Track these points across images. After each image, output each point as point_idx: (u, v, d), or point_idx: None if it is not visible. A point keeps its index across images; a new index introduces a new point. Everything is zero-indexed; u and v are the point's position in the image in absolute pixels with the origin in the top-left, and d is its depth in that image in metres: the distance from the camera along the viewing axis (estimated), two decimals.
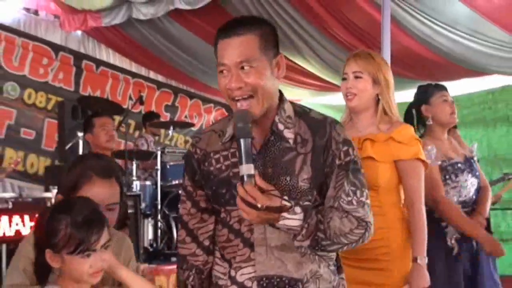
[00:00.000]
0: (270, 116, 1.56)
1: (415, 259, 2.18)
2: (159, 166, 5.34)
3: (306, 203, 1.50)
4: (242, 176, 1.41)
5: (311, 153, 1.53)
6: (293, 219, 1.45)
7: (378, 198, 2.20)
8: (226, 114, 9.00)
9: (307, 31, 5.88)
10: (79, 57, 7.25)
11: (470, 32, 5.17)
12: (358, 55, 2.34)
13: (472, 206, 2.79)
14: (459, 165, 2.78)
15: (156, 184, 5.37)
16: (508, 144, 6.59)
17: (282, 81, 7.24)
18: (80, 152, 4.58)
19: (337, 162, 1.53)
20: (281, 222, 1.45)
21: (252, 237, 1.54)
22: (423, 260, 2.19)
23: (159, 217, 5.23)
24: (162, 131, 6.85)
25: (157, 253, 4.95)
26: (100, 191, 1.74)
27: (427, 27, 5.23)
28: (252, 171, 1.42)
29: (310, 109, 1.64)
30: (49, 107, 6.82)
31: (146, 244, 5.01)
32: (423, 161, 2.28)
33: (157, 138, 6.57)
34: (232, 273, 1.58)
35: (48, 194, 4.51)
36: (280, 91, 1.62)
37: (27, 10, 6.93)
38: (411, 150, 2.24)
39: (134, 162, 5.38)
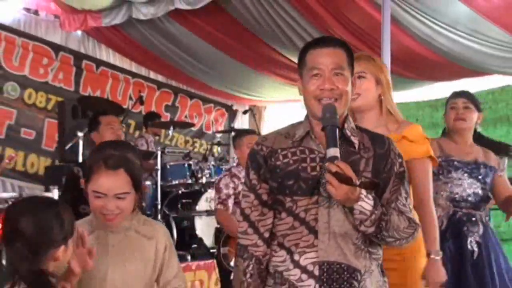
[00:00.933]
0: (340, 123, 1.76)
1: (429, 254, 2.23)
2: (159, 166, 5.34)
3: (373, 195, 1.71)
4: (329, 157, 1.61)
5: (372, 159, 1.78)
6: (367, 203, 1.66)
7: None
8: (226, 114, 9.01)
9: (307, 31, 5.88)
10: (79, 57, 7.25)
11: (470, 32, 5.17)
12: (359, 57, 2.35)
13: (466, 207, 2.82)
14: (455, 163, 2.85)
15: (156, 184, 5.37)
16: (508, 143, 6.59)
17: (283, 81, 7.26)
18: (80, 152, 4.58)
19: (395, 170, 1.79)
20: (359, 203, 1.65)
21: (317, 225, 1.71)
22: (438, 255, 2.23)
23: (159, 217, 5.23)
24: (163, 131, 6.85)
25: None
26: (106, 181, 1.81)
27: (427, 27, 5.22)
28: (338, 154, 1.62)
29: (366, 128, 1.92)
30: (49, 107, 6.82)
31: None
32: (432, 158, 2.33)
33: (157, 138, 6.56)
34: (296, 257, 1.72)
35: (48, 194, 4.51)
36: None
37: (27, 10, 6.93)
38: (423, 149, 2.30)
39: None
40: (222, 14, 6.02)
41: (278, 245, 1.79)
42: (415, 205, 2.27)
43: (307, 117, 1.86)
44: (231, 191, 3.71)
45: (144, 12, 6.02)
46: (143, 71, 8.06)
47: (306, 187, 1.72)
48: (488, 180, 2.88)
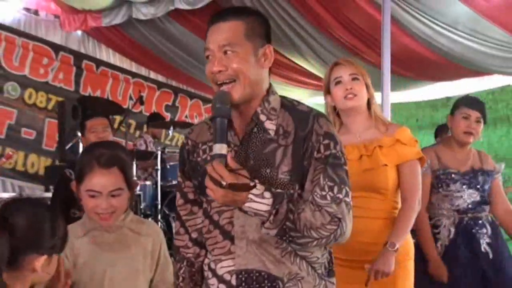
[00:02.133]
0: (254, 106, 1.54)
1: (385, 244, 2.18)
2: (159, 166, 5.34)
3: (279, 190, 1.46)
4: (214, 155, 1.40)
5: (292, 145, 1.50)
6: (261, 203, 1.41)
7: (384, 201, 2.27)
8: None
9: (307, 31, 5.88)
10: (79, 57, 7.26)
11: (470, 32, 5.17)
12: (347, 60, 2.43)
13: (470, 213, 2.84)
14: (453, 175, 2.86)
15: (156, 184, 5.37)
16: (508, 144, 6.60)
17: (283, 81, 7.28)
18: (80, 152, 4.58)
19: (316, 155, 1.49)
20: (247, 205, 1.41)
21: (233, 230, 1.51)
22: (394, 248, 2.18)
23: (159, 217, 5.24)
24: (163, 131, 6.85)
25: None
26: (100, 180, 1.82)
27: (427, 27, 5.22)
28: (225, 151, 1.40)
29: (299, 103, 1.60)
30: (50, 107, 6.83)
31: None
32: (421, 159, 2.35)
33: (156, 140, 6.55)
34: (212, 265, 1.56)
35: (48, 194, 4.51)
36: (270, 84, 1.60)
37: (27, 10, 6.94)
38: (414, 151, 2.31)
39: (134, 162, 5.39)
40: None
41: (206, 247, 1.63)
42: (401, 203, 2.32)
43: None
44: None
45: (144, 12, 6.02)
46: (143, 71, 8.06)
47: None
48: (486, 186, 2.89)
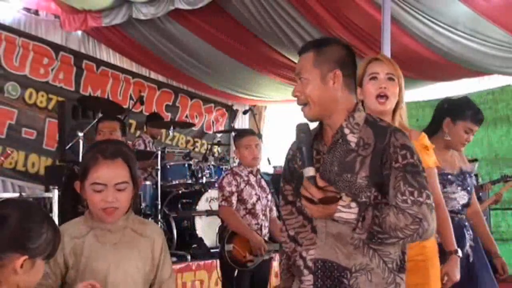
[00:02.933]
0: (339, 120, 1.81)
1: (454, 252, 2.34)
2: (159, 166, 5.34)
3: (364, 199, 1.72)
4: (307, 177, 1.69)
5: (370, 155, 1.75)
6: (348, 213, 1.68)
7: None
8: (226, 113, 9.02)
9: (307, 31, 5.88)
10: (79, 57, 7.26)
11: (470, 32, 5.17)
12: (387, 58, 2.33)
13: (461, 215, 2.84)
14: (449, 176, 2.83)
15: (156, 184, 5.37)
16: (508, 144, 6.60)
17: (283, 81, 7.25)
18: (81, 152, 4.59)
19: (394, 164, 1.72)
20: (337, 215, 1.68)
21: (317, 224, 1.80)
22: (459, 253, 2.36)
23: (159, 217, 5.24)
24: (164, 131, 6.85)
25: None
26: (105, 171, 1.81)
27: (427, 27, 5.23)
28: (312, 173, 1.70)
29: (382, 120, 1.86)
30: (50, 107, 6.83)
31: None
32: (438, 167, 2.44)
33: (155, 140, 6.55)
34: (304, 253, 1.83)
35: (48, 194, 4.51)
36: (357, 102, 1.86)
37: (28, 10, 6.93)
38: (432, 159, 2.35)
39: None
40: (222, 14, 6.02)
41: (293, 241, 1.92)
42: None
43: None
44: (234, 189, 3.72)
45: (144, 12, 6.02)
46: (143, 71, 8.06)
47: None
48: (472, 188, 2.90)
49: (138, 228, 1.93)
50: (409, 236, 1.67)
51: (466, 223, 2.87)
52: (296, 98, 1.83)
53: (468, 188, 2.84)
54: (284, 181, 1.96)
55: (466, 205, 2.87)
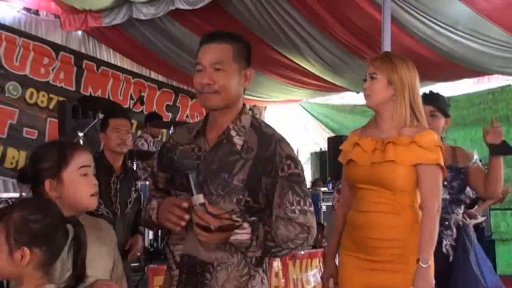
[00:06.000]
0: (226, 121, 1.83)
1: (418, 261, 2.17)
2: None
3: (253, 218, 1.74)
4: (199, 204, 1.65)
5: (252, 160, 1.78)
6: (242, 234, 1.69)
7: (393, 198, 2.25)
8: None
9: (307, 31, 5.89)
10: (79, 57, 7.27)
11: (470, 32, 5.18)
12: (376, 57, 2.39)
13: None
14: None
15: None
16: (508, 142, 6.59)
17: (283, 81, 7.25)
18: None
19: (281, 174, 1.76)
20: (233, 238, 1.68)
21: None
22: (426, 263, 2.17)
23: None
24: (164, 131, 6.85)
25: (157, 253, 4.96)
26: (87, 156, 1.82)
27: (427, 27, 5.23)
28: (202, 200, 1.66)
29: (266, 125, 1.90)
30: (51, 106, 6.84)
31: (146, 244, 5.02)
32: (442, 168, 2.29)
33: (156, 139, 6.55)
34: (171, 247, 1.85)
35: None
36: (244, 104, 1.88)
37: (28, 10, 6.95)
38: (432, 156, 2.26)
39: (134, 162, 5.39)
40: (222, 14, 6.03)
41: None
42: (421, 210, 2.28)
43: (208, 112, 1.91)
44: None
45: (145, 12, 6.03)
46: (143, 71, 8.07)
47: (186, 183, 1.72)
48: (455, 183, 2.83)
49: (96, 226, 1.89)
50: (299, 245, 1.75)
51: (447, 222, 2.77)
52: (201, 86, 1.79)
53: (445, 183, 2.74)
54: (159, 168, 1.93)
55: (451, 202, 2.82)
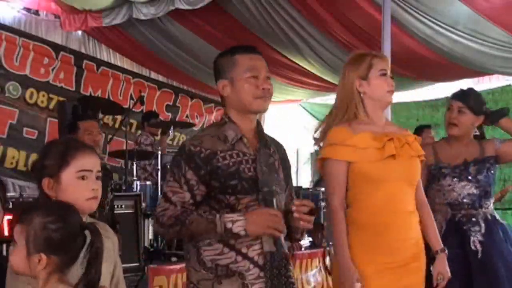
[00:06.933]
0: (251, 125, 2.05)
1: (442, 251, 2.35)
2: (159, 166, 5.35)
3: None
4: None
5: (279, 160, 2.06)
6: None
7: (412, 194, 2.33)
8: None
9: (307, 31, 5.89)
10: (79, 57, 7.26)
11: (470, 32, 5.18)
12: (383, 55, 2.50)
13: (464, 209, 2.82)
14: (443, 170, 2.86)
15: (156, 184, 5.38)
16: None
17: (283, 81, 7.25)
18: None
19: (289, 171, 2.13)
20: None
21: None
22: (445, 251, 2.37)
23: None
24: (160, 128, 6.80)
25: (157, 253, 4.96)
26: (91, 158, 1.78)
27: (427, 27, 5.23)
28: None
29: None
30: (51, 106, 6.83)
31: (146, 244, 5.02)
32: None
33: (156, 138, 6.55)
34: (244, 250, 1.91)
35: None
36: None
37: (28, 10, 6.94)
38: (422, 151, 2.38)
39: (134, 162, 5.39)
40: (222, 14, 6.03)
41: (219, 242, 1.92)
42: (417, 206, 2.34)
43: (229, 118, 2.02)
44: None
45: (145, 12, 6.03)
46: (143, 71, 8.07)
47: (248, 186, 1.92)
48: (480, 176, 2.84)
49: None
50: None
51: (474, 219, 2.80)
52: (264, 90, 1.98)
53: (470, 177, 2.82)
54: (198, 181, 1.92)
55: (479, 196, 2.84)
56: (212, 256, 1.91)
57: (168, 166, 5.60)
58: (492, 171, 2.90)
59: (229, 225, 1.85)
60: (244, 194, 1.92)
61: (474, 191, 2.82)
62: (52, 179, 1.74)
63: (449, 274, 2.34)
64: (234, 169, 1.93)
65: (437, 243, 2.36)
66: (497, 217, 2.93)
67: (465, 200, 2.82)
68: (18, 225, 1.52)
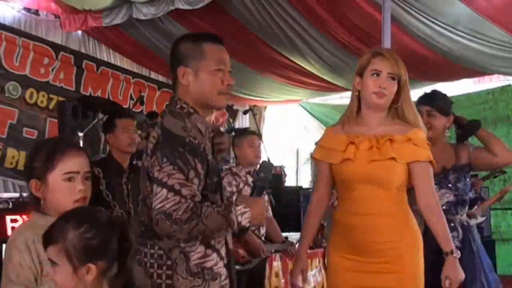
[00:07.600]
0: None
1: (449, 253, 2.25)
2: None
3: None
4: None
5: None
6: None
7: (388, 197, 2.24)
8: (227, 113, 9.01)
9: (308, 31, 5.89)
10: (79, 57, 7.26)
11: (470, 32, 5.18)
12: (391, 55, 2.33)
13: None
14: None
15: None
16: (508, 144, 6.58)
17: (283, 81, 7.25)
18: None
19: None
20: None
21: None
22: (457, 253, 2.25)
23: None
24: None
25: None
26: (77, 159, 1.75)
27: (427, 27, 5.23)
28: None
29: None
30: (51, 106, 6.83)
31: None
32: (432, 163, 2.31)
33: None
34: (222, 250, 1.86)
35: None
36: None
37: (28, 10, 6.95)
38: (426, 153, 2.27)
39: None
40: (222, 14, 6.03)
41: (201, 243, 1.80)
42: (422, 208, 2.28)
43: (194, 109, 1.88)
44: (234, 189, 3.71)
45: (145, 12, 6.03)
46: (143, 71, 8.07)
47: (218, 184, 1.86)
48: (459, 184, 2.81)
49: None
50: None
51: (453, 224, 2.76)
52: (229, 86, 1.98)
53: (450, 185, 2.79)
54: (205, 173, 1.79)
55: (456, 204, 2.82)
56: (197, 260, 1.78)
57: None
58: (468, 179, 2.87)
59: (239, 218, 1.73)
60: (215, 192, 1.84)
61: (453, 198, 2.81)
62: (39, 181, 1.73)
63: (460, 277, 2.24)
64: (214, 165, 1.85)
65: (445, 245, 2.25)
66: (471, 223, 2.91)
67: (443, 207, 2.78)
68: (51, 247, 1.50)
